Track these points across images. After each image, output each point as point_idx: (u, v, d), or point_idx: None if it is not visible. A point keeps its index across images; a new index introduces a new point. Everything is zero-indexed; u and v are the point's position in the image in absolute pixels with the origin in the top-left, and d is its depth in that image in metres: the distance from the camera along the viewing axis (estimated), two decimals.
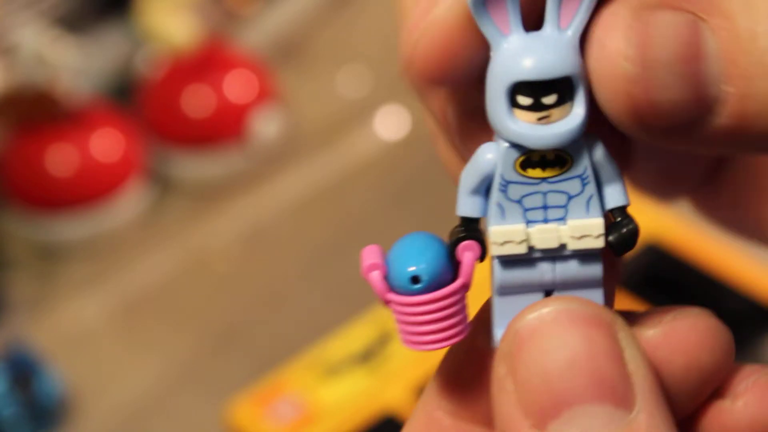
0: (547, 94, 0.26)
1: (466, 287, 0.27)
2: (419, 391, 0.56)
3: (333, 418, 0.64)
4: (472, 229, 0.27)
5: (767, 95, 0.24)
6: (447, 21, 0.26)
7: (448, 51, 0.26)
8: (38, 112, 0.82)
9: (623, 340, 0.25)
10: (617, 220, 0.27)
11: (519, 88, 0.26)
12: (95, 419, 0.72)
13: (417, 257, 0.27)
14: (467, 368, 0.28)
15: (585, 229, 0.27)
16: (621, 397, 0.25)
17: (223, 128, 0.87)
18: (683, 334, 0.27)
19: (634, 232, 0.27)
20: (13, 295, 0.79)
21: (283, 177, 0.88)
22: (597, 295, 0.27)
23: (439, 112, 0.29)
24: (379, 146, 0.90)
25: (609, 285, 0.28)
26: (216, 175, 0.87)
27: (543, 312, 0.26)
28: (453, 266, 0.27)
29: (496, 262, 0.27)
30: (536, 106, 0.26)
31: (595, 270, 0.27)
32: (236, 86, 0.87)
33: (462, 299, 0.27)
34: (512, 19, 0.26)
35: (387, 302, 0.27)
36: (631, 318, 0.27)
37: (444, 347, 0.27)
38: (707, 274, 0.70)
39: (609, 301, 0.28)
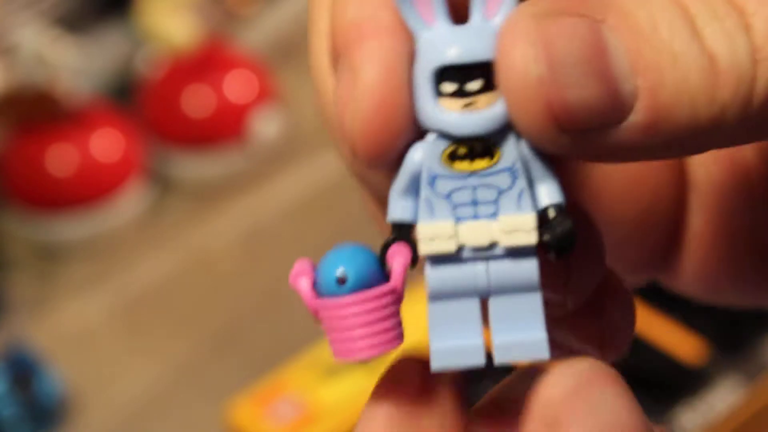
0: (471, 79, 0.25)
1: (395, 291, 0.26)
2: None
3: (333, 418, 0.64)
4: (403, 234, 0.26)
5: (677, 84, 0.24)
6: (380, 94, 0.25)
7: (390, 128, 0.25)
8: (38, 112, 0.82)
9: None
10: (552, 218, 0.25)
11: (442, 74, 0.25)
12: (95, 419, 0.72)
13: (344, 259, 0.26)
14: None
15: (516, 224, 0.25)
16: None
17: (223, 128, 0.87)
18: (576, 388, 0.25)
19: (570, 230, 0.25)
20: (13, 295, 0.79)
21: (283, 177, 0.88)
22: (535, 300, 0.26)
23: (380, 191, 0.28)
24: None
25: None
26: (216, 175, 0.87)
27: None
28: (384, 273, 0.26)
29: (427, 266, 0.26)
30: (460, 93, 0.25)
31: (531, 270, 0.25)
32: (236, 86, 0.87)
33: (393, 304, 0.26)
34: (437, 10, 0.25)
35: (314, 309, 0.26)
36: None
37: (376, 355, 0.25)
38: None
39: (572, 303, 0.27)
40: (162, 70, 0.88)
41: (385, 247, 0.26)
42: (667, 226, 0.30)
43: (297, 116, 0.91)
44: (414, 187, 0.26)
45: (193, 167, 0.87)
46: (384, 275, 0.26)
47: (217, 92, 0.87)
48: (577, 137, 0.24)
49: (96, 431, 0.72)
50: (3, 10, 0.86)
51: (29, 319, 0.78)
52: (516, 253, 0.25)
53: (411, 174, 0.26)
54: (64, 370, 0.73)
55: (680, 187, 0.30)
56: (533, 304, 0.26)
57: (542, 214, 0.25)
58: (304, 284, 0.26)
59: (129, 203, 0.84)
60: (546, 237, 0.25)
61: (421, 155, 0.26)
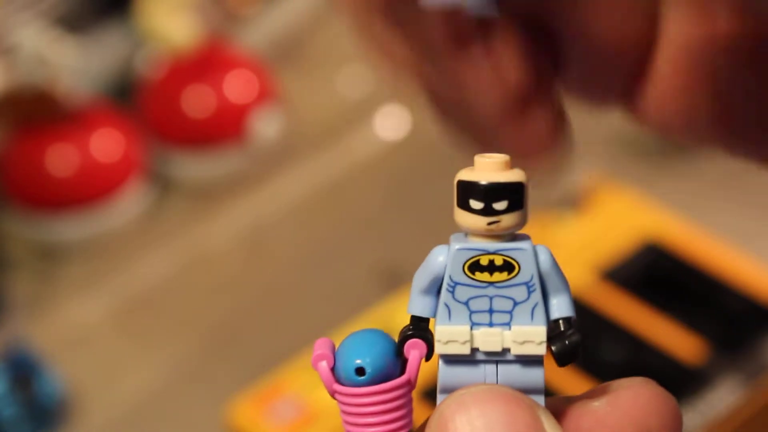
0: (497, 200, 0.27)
1: (410, 383, 0.27)
2: (419, 393, 0.56)
3: (333, 418, 0.64)
4: (421, 328, 0.28)
5: None
6: None
7: None
8: (38, 112, 0.82)
9: (546, 423, 0.26)
10: (562, 331, 0.27)
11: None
12: (95, 419, 0.72)
13: (364, 351, 0.27)
14: None
15: (528, 335, 0.27)
16: None
17: (223, 128, 0.87)
18: (629, 402, 0.27)
19: (578, 344, 0.27)
20: (13, 295, 0.79)
21: (283, 177, 0.88)
22: (539, 401, 0.27)
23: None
24: (379, 146, 0.90)
25: None
26: (216, 175, 0.87)
27: (464, 392, 0.26)
28: (400, 363, 0.28)
29: (441, 362, 0.28)
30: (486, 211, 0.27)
31: (537, 376, 0.27)
32: (236, 86, 0.88)
33: (406, 395, 0.27)
34: None
35: (333, 393, 0.28)
36: (573, 399, 0.28)
37: None
38: (706, 274, 0.70)
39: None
40: (162, 70, 0.88)
41: (404, 340, 0.28)
42: (635, 57, 0.31)
43: (297, 116, 0.91)
44: (435, 286, 0.28)
45: (193, 167, 0.87)
46: (399, 364, 0.28)
47: (217, 92, 0.87)
48: None
49: (96, 431, 0.72)
50: (3, 10, 0.86)
51: (29, 319, 0.78)
52: (526, 360, 0.27)
53: (433, 274, 0.28)
54: (64, 370, 0.73)
55: (651, 31, 0.31)
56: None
57: (553, 325, 0.27)
58: (324, 368, 0.28)
59: (129, 203, 0.84)
60: (554, 348, 0.27)
61: (444, 258, 0.27)
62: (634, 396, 0.27)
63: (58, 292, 0.80)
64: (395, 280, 0.77)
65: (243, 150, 0.87)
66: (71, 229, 0.83)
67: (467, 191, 0.27)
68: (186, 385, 0.73)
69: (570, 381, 0.63)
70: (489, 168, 0.27)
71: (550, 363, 0.28)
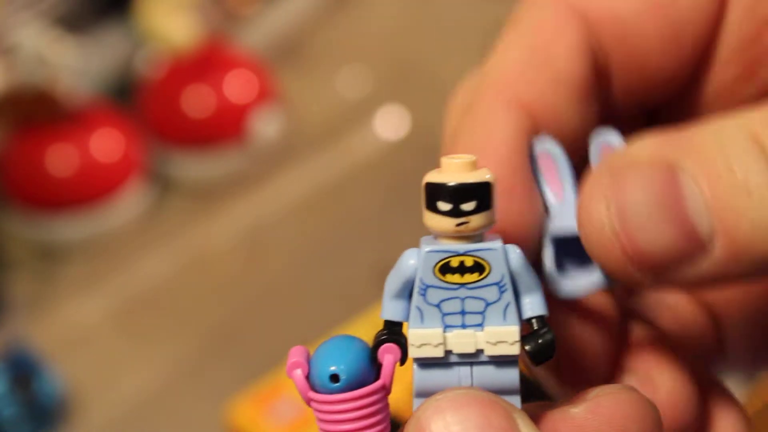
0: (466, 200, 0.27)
1: (385, 388, 0.27)
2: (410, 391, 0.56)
3: None
4: (394, 332, 0.28)
5: (753, 220, 0.26)
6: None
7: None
8: (38, 112, 0.82)
9: (522, 425, 0.26)
10: (535, 329, 0.27)
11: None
12: (95, 419, 0.72)
13: (337, 357, 0.27)
14: None
15: (501, 335, 0.27)
16: None
17: (223, 128, 0.87)
18: (608, 408, 0.27)
19: (551, 342, 0.27)
20: (13, 295, 0.79)
21: (283, 177, 0.88)
22: (514, 402, 0.27)
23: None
24: (379, 146, 0.90)
25: None
26: (216, 175, 0.87)
27: (440, 397, 0.26)
28: (375, 368, 0.28)
29: (415, 367, 0.28)
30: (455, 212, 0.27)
31: (512, 376, 0.27)
32: (236, 86, 0.87)
33: (382, 400, 0.27)
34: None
35: (308, 401, 0.28)
36: (551, 405, 0.28)
37: None
38: None
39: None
40: (162, 70, 0.88)
41: (377, 344, 0.28)
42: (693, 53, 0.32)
43: (297, 116, 0.91)
44: (406, 290, 0.28)
45: (193, 167, 0.87)
46: (374, 370, 0.28)
47: (217, 92, 0.87)
48: (657, 274, 0.27)
49: (96, 431, 0.72)
50: (3, 10, 0.86)
51: (29, 319, 0.78)
52: (500, 360, 0.27)
53: (404, 278, 0.28)
54: (64, 370, 0.73)
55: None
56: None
57: (526, 324, 0.27)
58: (298, 376, 0.28)
59: (129, 203, 0.84)
60: (528, 347, 0.27)
61: (414, 261, 0.28)
62: (614, 403, 0.27)
63: (58, 292, 0.80)
64: None
65: (243, 150, 0.87)
66: (71, 229, 0.83)
67: (435, 193, 0.27)
68: (186, 385, 0.73)
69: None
70: (456, 169, 0.27)
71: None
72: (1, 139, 0.84)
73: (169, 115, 0.87)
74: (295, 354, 0.28)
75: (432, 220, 0.27)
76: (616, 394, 0.27)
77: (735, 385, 0.66)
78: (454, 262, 0.27)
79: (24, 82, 0.81)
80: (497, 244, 0.27)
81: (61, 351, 0.75)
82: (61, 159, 0.82)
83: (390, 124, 0.92)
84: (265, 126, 0.87)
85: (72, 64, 0.82)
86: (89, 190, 0.83)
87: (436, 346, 0.27)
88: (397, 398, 0.28)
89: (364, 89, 0.95)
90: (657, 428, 0.27)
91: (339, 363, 0.27)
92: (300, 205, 0.86)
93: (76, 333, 0.77)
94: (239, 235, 0.84)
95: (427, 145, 0.87)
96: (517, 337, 0.27)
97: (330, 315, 0.70)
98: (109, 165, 0.83)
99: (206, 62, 0.87)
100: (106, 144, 0.83)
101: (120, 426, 0.72)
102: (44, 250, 0.83)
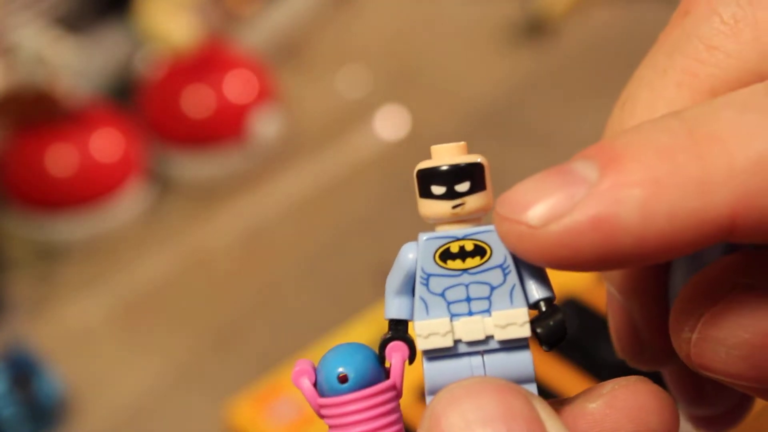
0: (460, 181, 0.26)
1: (395, 387, 0.27)
2: (419, 392, 0.56)
3: None
4: (400, 330, 0.27)
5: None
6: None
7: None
8: (38, 112, 0.82)
9: (542, 412, 0.25)
10: (543, 312, 0.27)
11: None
12: (95, 419, 0.72)
13: (344, 359, 0.27)
14: None
15: (510, 318, 0.26)
16: None
17: (223, 128, 0.87)
18: (627, 401, 0.27)
19: (561, 323, 0.26)
20: (13, 295, 0.79)
21: (283, 177, 0.88)
22: (531, 390, 0.27)
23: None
24: (379, 146, 0.90)
25: None
26: (216, 175, 0.87)
27: (455, 386, 0.25)
28: (383, 369, 0.27)
29: (425, 361, 0.27)
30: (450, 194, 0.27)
31: (525, 361, 0.27)
32: (236, 86, 0.88)
33: (393, 399, 0.27)
34: None
35: (318, 407, 0.27)
36: (567, 401, 0.27)
37: None
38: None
39: None
40: (162, 70, 0.88)
41: (384, 344, 0.27)
42: None
43: (297, 116, 0.91)
44: (409, 285, 0.27)
45: (193, 167, 0.87)
46: (383, 371, 0.27)
47: (217, 92, 0.87)
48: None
49: (96, 431, 0.72)
50: (3, 10, 0.86)
51: (29, 319, 0.78)
52: (510, 345, 0.27)
53: (405, 273, 0.27)
54: (64, 370, 0.73)
55: None
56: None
57: (534, 308, 0.27)
58: (306, 384, 0.27)
59: (129, 203, 0.84)
60: (538, 329, 0.26)
61: (413, 255, 0.27)
62: (631, 395, 0.27)
63: (58, 292, 0.80)
64: None
65: (243, 150, 0.87)
66: (71, 229, 0.83)
67: (428, 178, 0.27)
68: (186, 384, 0.73)
69: (571, 381, 0.63)
70: (446, 152, 0.27)
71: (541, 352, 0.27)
72: (1, 139, 0.84)
73: (169, 115, 0.87)
74: (301, 363, 0.27)
75: (427, 206, 0.27)
76: (633, 386, 0.27)
77: None
78: (454, 248, 0.26)
79: (24, 82, 0.81)
80: None
81: (61, 351, 0.75)
82: (61, 159, 0.82)
83: (390, 124, 0.92)
84: (265, 126, 0.87)
85: (72, 64, 0.82)
86: (89, 190, 0.83)
87: (444, 335, 0.26)
88: (405, 404, 0.28)
89: (364, 89, 0.95)
90: (675, 419, 0.27)
91: (346, 363, 0.27)
92: (300, 205, 0.86)
93: (76, 333, 0.77)
94: (239, 235, 0.84)
95: (426, 145, 0.87)
96: (526, 318, 0.26)
97: (330, 315, 0.70)
98: (109, 165, 0.83)
99: (206, 62, 0.87)
100: (106, 144, 0.83)
101: (120, 426, 0.72)
102: (44, 250, 0.83)
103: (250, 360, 0.73)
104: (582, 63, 0.96)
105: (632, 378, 0.27)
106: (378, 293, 0.75)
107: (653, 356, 0.32)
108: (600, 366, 0.65)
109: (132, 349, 0.77)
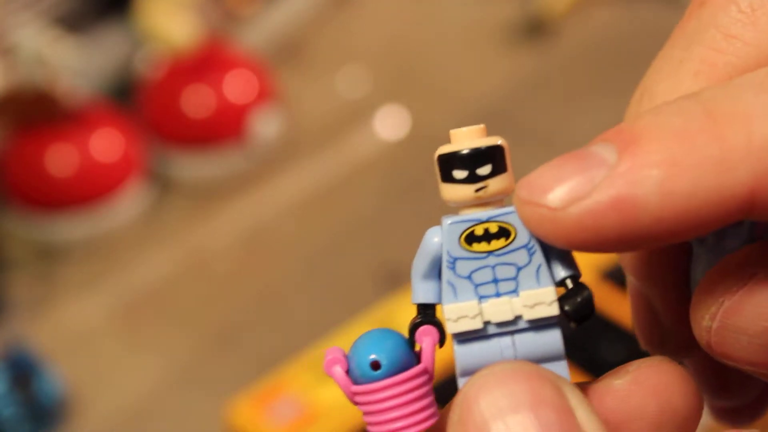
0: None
1: (428, 372, 0.27)
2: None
3: (333, 418, 0.64)
4: (428, 314, 0.27)
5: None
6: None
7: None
8: (38, 112, 0.82)
9: (572, 398, 0.25)
10: (570, 289, 0.27)
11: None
12: (95, 419, 0.72)
13: (376, 345, 0.27)
14: None
15: (537, 297, 0.27)
16: None
17: (223, 128, 0.87)
18: (652, 379, 0.27)
19: (589, 299, 0.27)
20: (13, 295, 0.79)
21: (283, 177, 0.88)
22: (561, 368, 0.27)
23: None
24: (379, 146, 0.90)
25: None
26: (216, 175, 0.87)
27: (486, 372, 0.26)
28: (414, 354, 0.27)
29: (455, 344, 0.27)
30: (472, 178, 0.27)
31: (555, 339, 0.27)
32: (236, 86, 0.88)
33: (426, 384, 0.27)
34: None
35: (352, 395, 0.27)
36: (594, 381, 0.27)
37: None
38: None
39: None
40: (162, 70, 0.88)
41: (414, 329, 0.27)
42: None
43: (297, 116, 0.91)
44: (435, 270, 0.27)
45: (193, 167, 0.87)
46: (414, 356, 0.27)
47: (217, 92, 0.87)
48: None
49: (96, 431, 0.72)
50: (3, 10, 0.86)
51: (29, 319, 0.78)
52: (539, 325, 0.27)
53: (431, 257, 0.27)
54: (64, 370, 0.73)
55: None
56: (560, 373, 0.27)
57: (560, 286, 0.27)
58: (339, 372, 0.27)
59: (129, 203, 0.84)
60: (567, 307, 0.27)
61: (438, 239, 0.27)
62: (657, 373, 0.27)
63: (58, 292, 0.80)
64: (395, 280, 0.77)
65: (243, 150, 0.87)
66: (71, 229, 0.83)
67: (449, 163, 0.27)
68: (186, 385, 0.73)
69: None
70: (466, 137, 0.27)
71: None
72: (1, 139, 0.84)
73: (169, 115, 0.87)
74: (332, 352, 0.27)
75: (450, 191, 0.27)
76: (658, 366, 0.27)
77: None
78: (479, 231, 0.27)
79: (24, 82, 0.81)
80: None
81: (61, 351, 0.75)
82: (61, 159, 0.82)
83: (390, 124, 0.92)
84: (265, 126, 0.87)
85: (72, 64, 0.82)
86: (89, 190, 0.83)
87: (474, 317, 0.27)
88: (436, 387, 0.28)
89: (364, 89, 0.95)
90: (699, 401, 0.27)
91: (378, 350, 0.27)
92: (300, 205, 0.86)
93: (76, 333, 0.77)
94: (239, 235, 0.84)
95: (426, 144, 0.87)
96: (554, 296, 0.27)
97: (330, 315, 0.70)
98: (109, 165, 0.83)
99: (206, 62, 0.87)
100: (106, 144, 0.83)
101: (119, 426, 0.72)
102: (44, 250, 0.83)
103: (250, 360, 0.73)
104: (582, 63, 0.96)
105: (657, 358, 0.27)
106: (378, 293, 0.76)
107: (676, 346, 0.32)
108: (600, 366, 0.65)
109: (132, 349, 0.77)
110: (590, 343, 0.65)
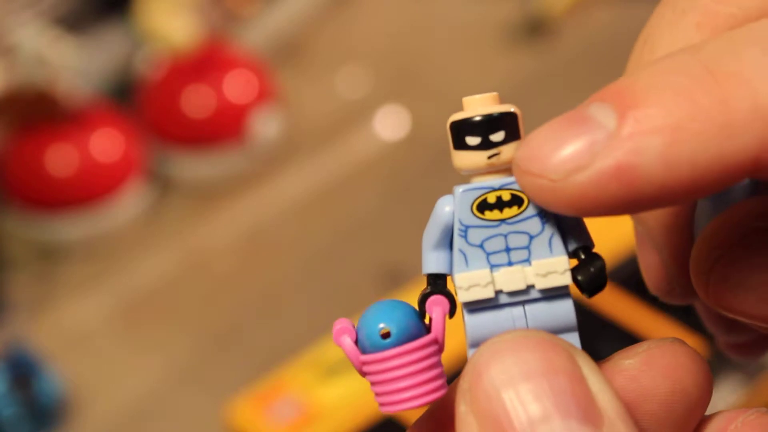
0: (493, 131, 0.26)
1: (438, 341, 0.26)
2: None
3: (333, 418, 0.64)
4: (439, 285, 0.27)
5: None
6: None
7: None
8: (38, 112, 0.82)
9: (584, 367, 0.25)
10: (583, 259, 0.26)
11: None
12: (95, 419, 0.72)
13: (386, 315, 0.27)
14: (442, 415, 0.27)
15: (550, 266, 0.26)
16: (585, 413, 0.24)
17: (223, 128, 0.87)
18: (663, 359, 0.27)
19: (602, 269, 0.26)
20: (13, 295, 0.79)
21: (283, 177, 0.88)
22: (574, 339, 0.27)
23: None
24: (379, 146, 0.90)
25: None
26: (216, 175, 0.87)
27: (497, 340, 0.25)
28: (424, 324, 0.27)
29: (465, 314, 0.27)
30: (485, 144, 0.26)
31: (567, 309, 0.26)
32: (236, 86, 0.88)
33: (436, 354, 0.26)
34: None
35: (361, 365, 0.27)
36: (605, 359, 0.27)
37: (423, 404, 0.26)
38: None
39: None
40: (162, 70, 0.88)
41: (423, 299, 0.27)
42: None
43: (297, 116, 0.91)
44: (446, 239, 0.27)
45: (193, 167, 0.87)
46: (424, 326, 0.27)
47: (217, 92, 0.87)
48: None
49: (96, 431, 0.72)
50: (3, 10, 0.86)
51: (29, 319, 0.78)
52: (552, 294, 0.26)
53: (442, 226, 0.27)
54: (64, 370, 0.73)
55: None
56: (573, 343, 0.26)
57: (573, 256, 0.26)
58: (347, 342, 0.27)
59: (129, 203, 0.84)
60: (579, 277, 0.26)
61: (450, 207, 0.26)
62: (668, 354, 0.27)
63: (58, 292, 0.80)
64: (395, 279, 0.77)
65: (243, 150, 0.87)
66: (71, 229, 0.83)
67: (462, 129, 0.26)
68: (186, 385, 0.73)
69: None
70: (478, 103, 0.27)
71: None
72: (1, 139, 0.84)
73: (169, 115, 0.87)
74: (340, 322, 0.27)
75: (462, 158, 0.26)
76: (669, 346, 0.27)
77: (735, 385, 0.66)
78: (491, 198, 0.26)
79: (24, 82, 0.81)
80: None
81: (61, 351, 0.75)
82: (61, 159, 0.82)
83: (390, 124, 0.92)
84: (265, 126, 0.87)
85: (72, 64, 0.82)
86: (89, 190, 0.83)
87: (485, 286, 0.26)
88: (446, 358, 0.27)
89: (364, 89, 0.95)
90: (709, 382, 0.27)
91: (388, 320, 0.26)
92: (300, 205, 0.86)
93: (76, 333, 0.77)
94: (239, 235, 0.84)
95: (426, 144, 0.87)
96: (566, 265, 0.26)
97: (330, 314, 0.70)
98: (109, 165, 0.83)
99: (206, 62, 0.87)
100: (106, 144, 0.83)
101: (120, 426, 0.72)
102: (44, 250, 0.83)
103: (250, 360, 0.73)
104: (582, 63, 0.96)
105: (668, 338, 0.27)
106: (378, 293, 0.76)
107: (682, 292, 0.32)
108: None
109: (132, 349, 0.77)
110: (590, 343, 0.65)
